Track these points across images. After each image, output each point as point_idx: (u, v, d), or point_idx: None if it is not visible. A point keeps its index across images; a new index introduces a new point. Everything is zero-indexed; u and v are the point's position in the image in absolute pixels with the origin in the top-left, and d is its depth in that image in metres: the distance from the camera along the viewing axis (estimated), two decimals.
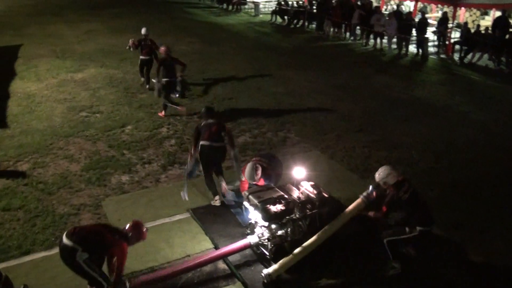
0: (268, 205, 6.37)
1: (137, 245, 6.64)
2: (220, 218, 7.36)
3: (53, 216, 7.50)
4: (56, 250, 6.62)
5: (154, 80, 12.18)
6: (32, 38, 19.09)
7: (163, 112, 11.24)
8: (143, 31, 12.99)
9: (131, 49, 13.23)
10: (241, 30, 22.33)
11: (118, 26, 21.07)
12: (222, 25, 23.17)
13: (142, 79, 13.37)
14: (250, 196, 6.55)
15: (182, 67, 11.58)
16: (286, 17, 24.34)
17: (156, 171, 8.85)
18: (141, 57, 13.11)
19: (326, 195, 6.69)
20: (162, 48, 11.47)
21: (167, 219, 7.35)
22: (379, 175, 6.32)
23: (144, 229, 5.73)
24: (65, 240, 5.32)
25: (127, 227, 5.64)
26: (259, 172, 6.95)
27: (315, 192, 6.60)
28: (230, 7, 28.24)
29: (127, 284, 5.70)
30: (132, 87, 13.27)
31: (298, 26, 23.98)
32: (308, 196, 6.61)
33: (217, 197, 7.71)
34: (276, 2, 26.28)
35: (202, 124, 7.84)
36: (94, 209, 7.67)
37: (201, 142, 7.61)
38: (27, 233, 7.13)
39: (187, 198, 7.67)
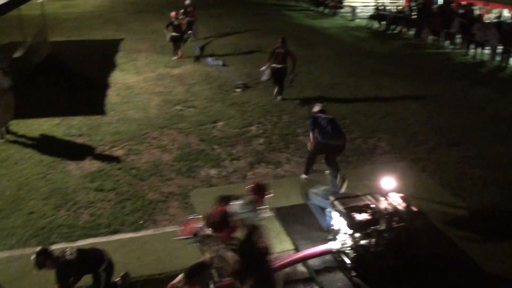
0: (353, 213, 6.22)
1: None
2: (303, 220, 7.32)
3: (142, 201, 7.85)
4: (143, 233, 6.98)
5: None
6: (133, 33, 20.12)
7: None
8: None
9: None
10: (337, 34, 22.08)
11: (214, 26, 21.59)
12: (318, 29, 23.05)
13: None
14: (336, 202, 6.43)
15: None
16: (383, 22, 23.75)
17: (243, 168, 8.97)
18: (273, 65, 12.20)
19: (415, 209, 6.41)
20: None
21: None
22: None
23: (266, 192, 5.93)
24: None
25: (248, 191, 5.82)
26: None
27: (403, 205, 6.34)
28: (327, 11, 28.01)
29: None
30: (226, 85, 13.54)
31: (395, 32, 23.30)
32: (395, 208, 6.35)
33: (304, 176, 8.31)
34: (374, 7, 25.74)
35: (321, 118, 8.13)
36: (182, 198, 7.93)
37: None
38: (117, 214, 7.55)
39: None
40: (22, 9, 14.61)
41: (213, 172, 8.82)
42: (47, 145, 9.93)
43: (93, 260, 5.61)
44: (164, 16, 23.89)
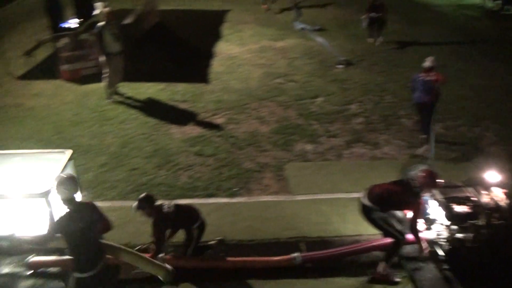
0: (452, 204, 5.97)
1: (310, 212, 6.88)
2: None
3: (238, 169, 8.08)
4: (237, 200, 7.20)
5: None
6: (240, 5, 20.30)
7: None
8: None
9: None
10: (448, 12, 20.77)
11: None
12: (428, 5, 21.85)
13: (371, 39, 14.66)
14: (435, 191, 6.19)
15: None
16: (498, 1, 21.95)
17: (339, 146, 8.88)
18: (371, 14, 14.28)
19: None
20: None
21: (344, 194, 7.33)
22: None
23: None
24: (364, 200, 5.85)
25: (418, 179, 5.66)
26: None
27: (506, 201, 5.96)
28: None
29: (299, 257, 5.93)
30: (328, 60, 13.35)
31: (510, 12, 21.42)
32: (497, 204, 5.99)
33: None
34: None
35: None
36: (277, 170, 8.04)
37: None
38: (213, 179, 7.84)
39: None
40: None
41: (308, 147, 8.83)
42: (152, 108, 10.47)
43: (188, 216, 5.90)
44: None
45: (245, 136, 9.17)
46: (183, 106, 10.54)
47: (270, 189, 7.52)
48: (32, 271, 5.98)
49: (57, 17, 13.98)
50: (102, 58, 10.55)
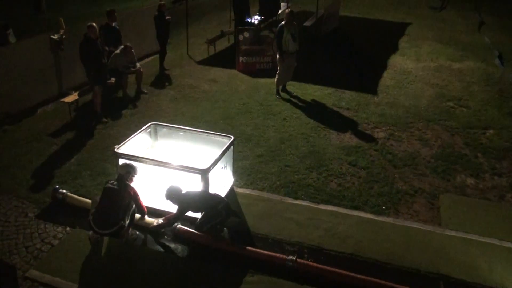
0: None
1: (457, 251, 6.45)
2: None
3: (390, 188, 7.86)
4: (382, 219, 7.04)
5: None
6: (422, 19, 19.57)
7: None
8: None
9: None
10: None
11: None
12: None
13: None
14: None
15: None
16: None
17: (504, 187, 8.11)
18: None
19: None
20: None
21: (497, 241, 6.69)
22: None
23: None
24: None
25: None
26: None
27: None
28: None
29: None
30: (508, 90, 12.28)
31: None
32: None
33: None
34: None
35: None
36: (430, 197, 7.65)
37: None
38: (362, 192, 7.75)
39: None
40: None
41: (470, 181, 8.24)
42: (315, 110, 10.68)
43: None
44: (457, 5, 22.66)
45: (403, 155, 8.89)
46: (346, 113, 10.56)
47: (420, 216, 7.19)
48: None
49: (243, 12, 14.94)
50: (277, 56, 11.05)
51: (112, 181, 6.29)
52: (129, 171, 6.39)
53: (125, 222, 6.15)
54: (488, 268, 6.19)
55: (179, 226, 6.60)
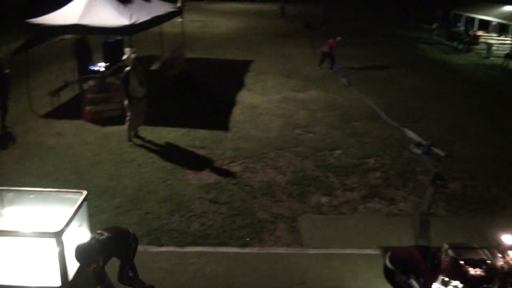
0: (466, 267, 5.76)
1: (321, 267, 6.70)
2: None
3: (252, 218, 7.97)
4: (248, 250, 7.08)
5: None
6: (263, 56, 20.80)
7: None
8: None
9: None
10: (468, 71, 20.88)
11: (347, 54, 21.47)
12: (448, 64, 22.04)
13: None
14: (449, 251, 6.00)
15: None
16: None
17: (355, 200, 8.74)
18: None
19: None
20: None
21: (357, 250, 7.16)
22: None
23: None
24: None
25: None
26: None
27: None
28: (461, 46, 26.69)
29: None
30: (348, 113, 13.42)
31: None
32: None
33: None
34: (511, 45, 24.27)
35: None
36: (290, 221, 7.91)
37: None
38: (226, 227, 7.73)
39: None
40: (163, 27, 15.71)
41: (324, 199, 8.71)
42: (170, 152, 10.55)
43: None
44: (295, 42, 24.67)
45: (260, 185, 9.12)
46: (201, 152, 10.59)
47: (282, 241, 7.37)
48: None
49: (86, 59, 14.44)
50: (126, 102, 10.78)
51: None
52: None
53: None
54: (353, 277, 6.54)
55: None
